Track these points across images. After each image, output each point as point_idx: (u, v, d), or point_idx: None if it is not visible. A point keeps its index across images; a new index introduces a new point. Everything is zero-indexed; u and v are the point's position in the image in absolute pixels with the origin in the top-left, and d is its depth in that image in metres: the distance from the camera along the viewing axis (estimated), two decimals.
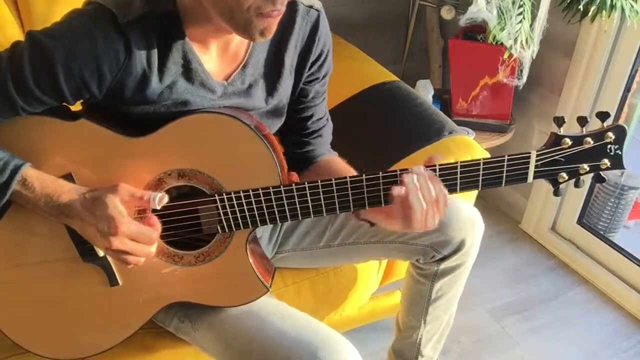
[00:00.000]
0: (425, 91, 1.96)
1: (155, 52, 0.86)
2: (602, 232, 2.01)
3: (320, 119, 1.11)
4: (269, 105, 1.01)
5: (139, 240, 0.85)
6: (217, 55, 0.93)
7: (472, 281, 1.34)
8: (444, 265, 1.19)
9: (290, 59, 0.99)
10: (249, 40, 0.90)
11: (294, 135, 1.10)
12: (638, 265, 1.82)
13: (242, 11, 0.79)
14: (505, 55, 1.59)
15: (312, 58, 1.02)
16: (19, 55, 0.81)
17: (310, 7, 0.99)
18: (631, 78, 1.74)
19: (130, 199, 0.86)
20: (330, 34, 1.04)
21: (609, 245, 1.91)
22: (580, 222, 2.00)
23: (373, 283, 1.42)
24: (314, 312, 1.06)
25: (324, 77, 1.07)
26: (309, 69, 1.03)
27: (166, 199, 0.89)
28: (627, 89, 1.76)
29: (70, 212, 0.85)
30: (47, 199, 0.84)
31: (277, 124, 1.06)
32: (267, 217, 0.92)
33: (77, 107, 0.91)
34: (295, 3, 0.96)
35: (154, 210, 0.89)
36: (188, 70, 0.89)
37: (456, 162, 0.89)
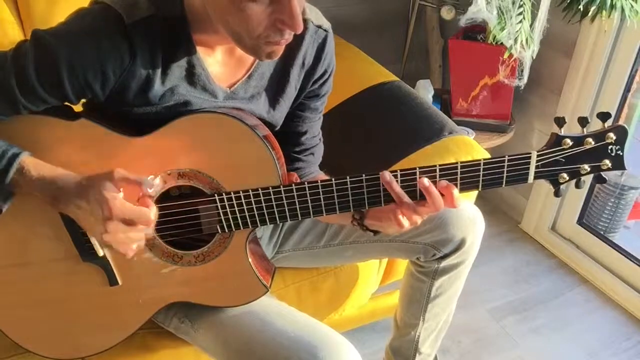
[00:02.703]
0: (425, 91, 1.96)
1: (159, 55, 0.86)
2: (602, 232, 2.01)
3: (314, 137, 1.11)
4: (268, 117, 1.01)
5: (135, 221, 0.82)
6: (222, 59, 0.93)
7: (472, 281, 1.34)
8: (445, 263, 1.19)
9: (296, 75, 1.00)
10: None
11: (287, 149, 1.08)
12: (638, 265, 1.82)
13: (251, 37, 0.79)
14: (505, 55, 1.59)
15: (316, 76, 1.03)
16: (24, 53, 0.81)
17: (319, 27, 0.99)
18: (631, 78, 1.74)
19: (124, 183, 0.83)
20: (334, 55, 1.05)
21: (609, 245, 1.91)
22: (580, 222, 2.00)
23: (373, 283, 1.42)
24: (314, 312, 1.06)
25: (323, 95, 1.07)
26: (311, 86, 1.04)
27: (158, 180, 0.88)
28: (627, 89, 1.76)
29: (65, 199, 0.83)
30: (43, 186, 0.83)
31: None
32: (266, 217, 0.92)
33: (77, 107, 0.91)
34: (306, 21, 0.97)
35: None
36: (191, 75, 0.89)
37: (456, 162, 0.89)
